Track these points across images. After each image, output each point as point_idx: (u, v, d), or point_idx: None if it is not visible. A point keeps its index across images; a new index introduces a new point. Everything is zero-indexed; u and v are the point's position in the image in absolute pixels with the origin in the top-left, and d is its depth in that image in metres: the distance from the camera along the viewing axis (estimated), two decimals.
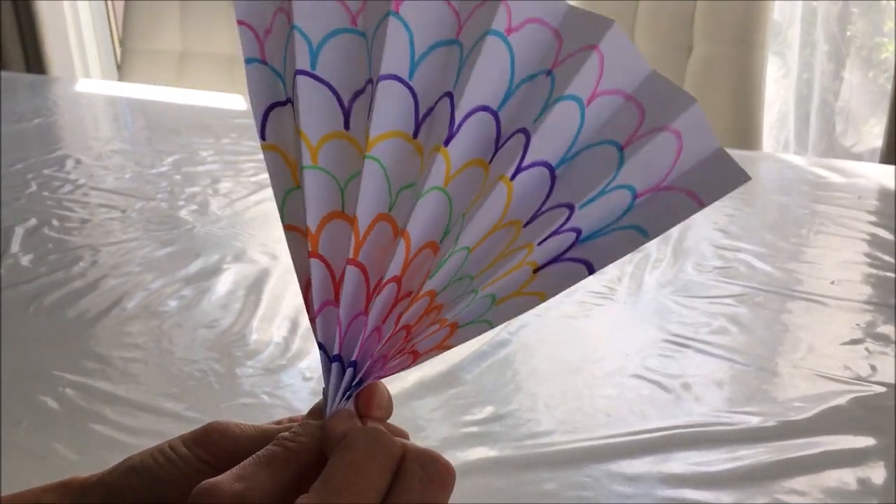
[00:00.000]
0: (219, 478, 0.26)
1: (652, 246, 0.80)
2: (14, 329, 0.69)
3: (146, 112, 1.46)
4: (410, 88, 0.28)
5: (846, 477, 0.49)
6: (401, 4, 0.28)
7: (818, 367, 0.60)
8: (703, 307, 0.69)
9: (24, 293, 0.74)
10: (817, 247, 0.81)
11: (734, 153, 0.98)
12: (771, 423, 0.54)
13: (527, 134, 0.27)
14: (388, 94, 0.28)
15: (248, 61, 0.29)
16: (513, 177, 0.27)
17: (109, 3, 2.47)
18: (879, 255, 0.77)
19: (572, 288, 0.75)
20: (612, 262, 0.28)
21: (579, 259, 0.28)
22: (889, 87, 1.59)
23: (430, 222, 0.28)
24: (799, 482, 0.49)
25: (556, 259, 0.28)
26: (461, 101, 0.27)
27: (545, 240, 0.28)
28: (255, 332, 0.67)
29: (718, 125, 1.50)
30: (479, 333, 0.29)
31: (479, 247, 0.28)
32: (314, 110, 0.29)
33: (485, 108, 0.28)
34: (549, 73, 0.28)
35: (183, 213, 0.92)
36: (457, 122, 0.27)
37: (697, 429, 0.54)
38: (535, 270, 0.28)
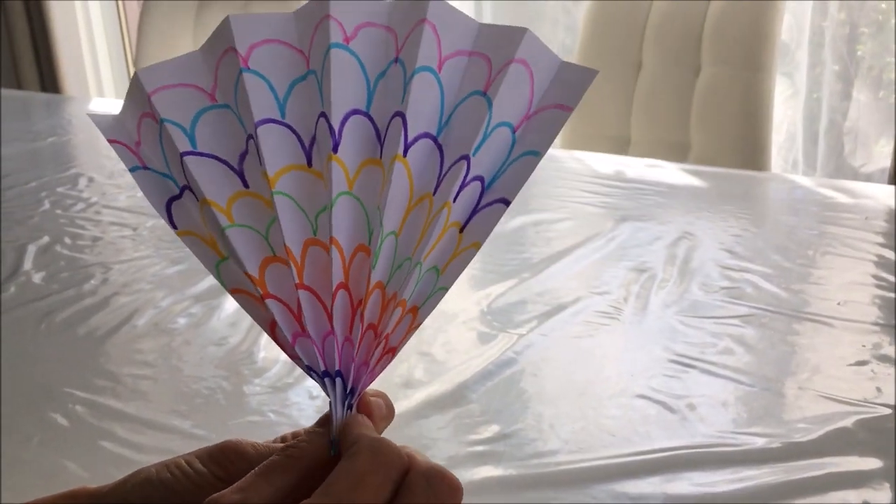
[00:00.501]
0: (221, 492, 0.27)
1: (658, 266, 0.80)
2: (25, 346, 0.70)
3: None
4: (286, 125, 0.31)
5: (851, 498, 0.49)
6: (248, 60, 0.31)
7: (824, 389, 0.60)
8: (709, 328, 0.69)
9: (35, 310, 0.75)
10: (824, 268, 0.81)
11: (742, 173, 0.98)
12: (776, 444, 0.54)
13: (402, 115, 0.30)
14: (269, 136, 0.30)
15: (132, 170, 0.32)
16: (405, 153, 0.30)
17: (124, 23, 2.51)
18: (886, 276, 0.78)
19: (578, 308, 0.75)
20: (521, 187, 0.30)
21: (494, 201, 0.30)
22: None
23: (351, 226, 0.30)
24: (803, 503, 0.49)
25: (475, 211, 0.30)
26: (332, 112, 0.30)
27: (457, 195, 0.30)
28: (262, 350, 0.67)
29: (727, 145, 1.50)
30: (439, 301, 0.30)
31: (403, 229, 0.30)
32: (211, 180, 0.31)
33: (355, 112, 0.31)
34: (396, 60, 0.31)
35: None
36: (336, 130, 0.30)
37: (702, 449, 0.54)
38: (461, 230, 0.30)
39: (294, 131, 0.31)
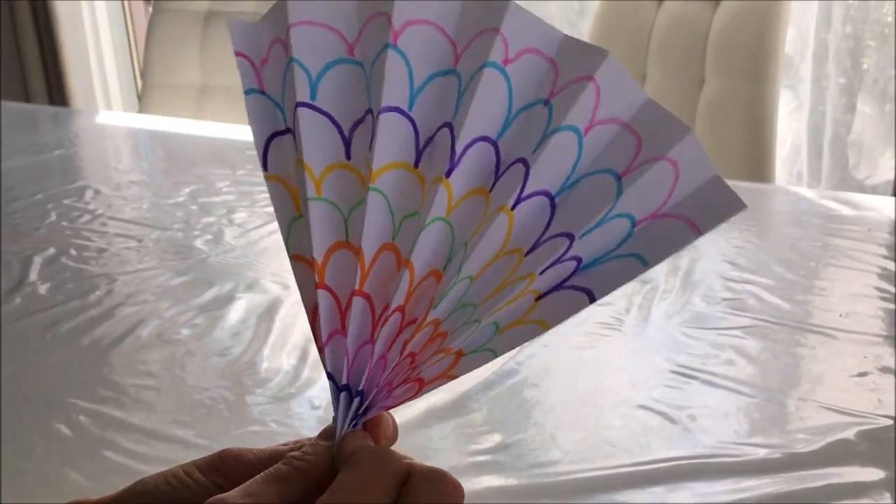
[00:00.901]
0: (227, 493, 0.27)
1: (660, 277, 0.80)
2: (30, 356, 0.70)
3: (166, 144, 1.49)
4: (410, 119, 0.29)
5: None
6: (399, 37, 0.29)
7: (825, 400, 0.60)
8: (710, 339, 0.69)
9: (41, 321, 0.76)
10: (827, 279, 0.81)
11: (746, 185, 0.98)
12: (777, 455, 0.54)
13: (526, 164, 0.28)
14: (388, 126, 0.29)
15: (248, 92, 0.30)
16: (513, 206, 0.28)
17: (132, 36, 2.53)
18: (889, 288, 0.78)
19: (580, 318, 0.76)
20: (612, 290, 0.28)
21: (580, 287, 0.28)
22: None
23: (432, 252, 0.28)
24: None
25: (558, 287, 0.28)
26: (461, 132, 0.28)
27: (546, 269, 0.28)
28: (265, 361, 0.68)
29: (731, 158, 1.50)
30: (484, 363, 0.29)
31: (480, 275, 0.28)
32: (316, 142, 0.29)
33: (484, 139, 0.28)
34: (546, 102, 0.29)
35: (198, 243, 0.93)
36: (457, 153, 0.28)
37: (703, 460, 0.54)
38: (538, 299, 0.28)
39: (415, 126, 0.29)
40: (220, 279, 0.83)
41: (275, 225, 0.97)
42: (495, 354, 0.29)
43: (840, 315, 0.73)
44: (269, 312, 0.76)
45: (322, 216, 0.29)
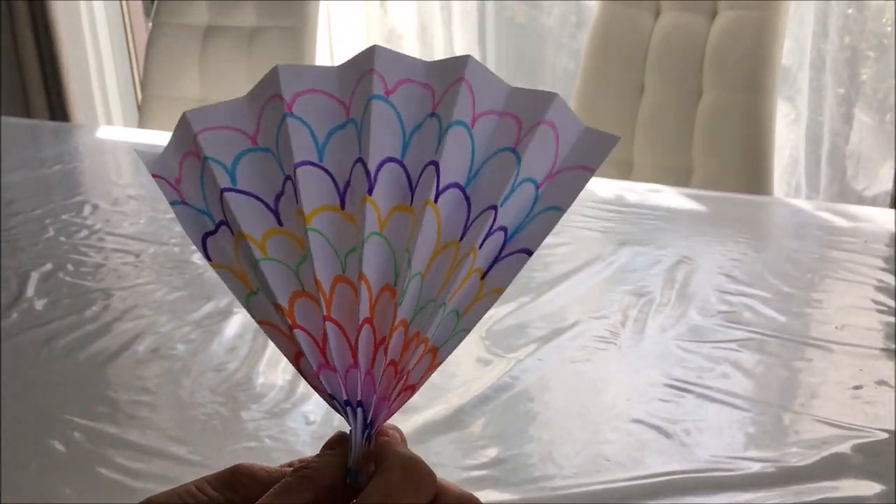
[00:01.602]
0: None
1: (656, 290, 0.80)
2: (26, 372, 0.70)
3: None
4: (324, 168, 0.33)
5: None
6: (292, 106, 0.33)
7: (821, 413, 0.60)
8: (706, 352, 0.69)
9: (37, 336, 0.76)
10: (823, 292, 0.81)
11: (743, 198, 0.98)
12: (772, 469, 0.54)
13: (435, 164, 0.32)
14: (306, 177, 0.32)
15: (173, 204, 0.34)
16: (435, 199, 0.31)
17: (132, 52, 2.54)
18: (885, 300, 0.77)
19: (575, 333, 0.75)
20: (543, 239, 0.32)
21: (516, 251, 0.32)
22: None
23: (379, 265, 0.31)
24: None
25: (497, 260, 0.32)
26: (370, 158, 0.32)
27: (483, 242, 0.31)
28: (260, 376, 0.68)
29: (729, 169, 1.51)
30: (459, 343, 0.32)
31: (428, 272, 0.31)
32: (248, 217, 0.32)
33: (390, 160, 0.32)
34: (432, 114, 0.33)
35: (195, 258, 0.93)
36: (372, 174, 0.32)
37: (699, 474, 0.54)
38: (483, 276, 0.32)
39: (330, 175, 0.33)
40: (216, 294, 0.83)
41: None
42: (468, 331, 0.32)
43: (836, 328, 0.73)
44: None
45: (275, 272, 0.32)
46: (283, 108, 0.33)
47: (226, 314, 0.79)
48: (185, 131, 0.34)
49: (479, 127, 0.33)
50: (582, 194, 0.31)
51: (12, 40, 2.34)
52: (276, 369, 0.69)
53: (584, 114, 1.60)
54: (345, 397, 0.30)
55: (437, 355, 0.31)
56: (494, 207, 0.31)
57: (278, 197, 0.33)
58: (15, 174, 1.30)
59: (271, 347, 0.72)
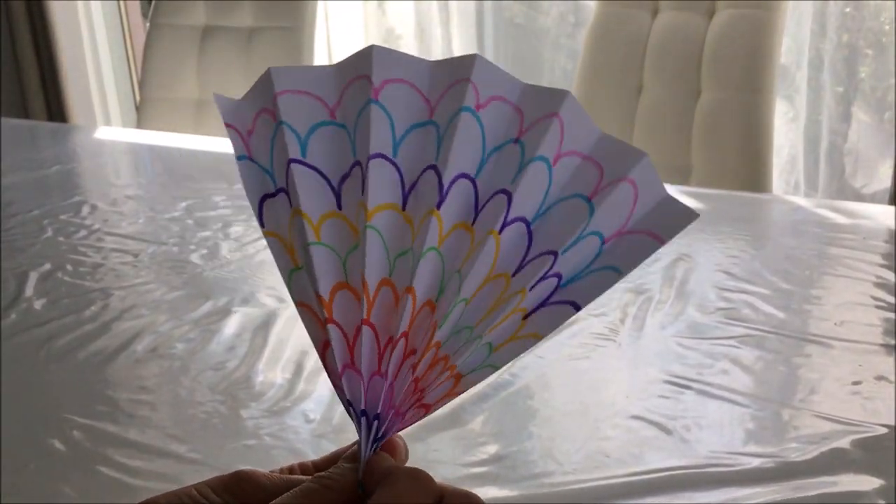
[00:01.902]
0: None
1: (655, 287, 0.80)
2: (26, 372, 0.70)
3: (163, 158, 1.49)
4: (395, 165, 0.32)
5: None
6: (379, 93, 0.32)
7: (820, 409, 0.60)
8: (705, 349, 0.69)
9: (36, 337, 0.76)
10: (822, 288, 0.81)
11: (742, 195, 0.98)
12: (772, 464, 0.54)
13: (507, 193, 0.31)
14: (377, 171, 0.31)
15: (239, 158, 0.33)
16: (500, 230, 0.31)
17: (130, 53, 2.54)
18: (884, 296, 0.78)
19: (575, 329, 0.75)
20: (594, 298, 0.31)
21: (564, 301, 0.31)
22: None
23: (428, 282, 0.31)
24: None
25: (543, 304, 0.31)
26: (445, 171, 0.31)
27: (534, 285, 0.31)
28: (260, 375, 0.68)
29: (728, 168, 1.51)
30: (485, 378, 0.31)
31: (474, 299, 0.31)
32: (310, 194, 0.32)
33: (464, 176, 0.32)
34: (516, 140, 0.32)
35: (193, 258, 0.93)
36: (444, 188, 0.31)
37: (698, 470, 0.54)
38: (525, 317, 0.31)
39: (400, 172, 0.32)
40: (215, 293, 0.83)
41: None
42: (496, 368, 0.31)
43: (835, 324, 0.73)
44: (264, 326, 0.76)
45: (323, 258, 0.31)
46: (370, 92, 0.32)
47: (224, 313, 0.79)
48: (266, 87, 0.33)
49: (560, 166, 0.32)
50: None
51: (10, 41, 2.34)
52: (275, 368, 0.69)
53: None
54: (363, 406, 0.30)
55: (459, 383, 0.31)
56: (555, 253, 0.31)
57: (344, 178, 0.32)
58: (13, 175, 1.30)
59: (271, 346, 0.72)
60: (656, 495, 0.52)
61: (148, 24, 1.95)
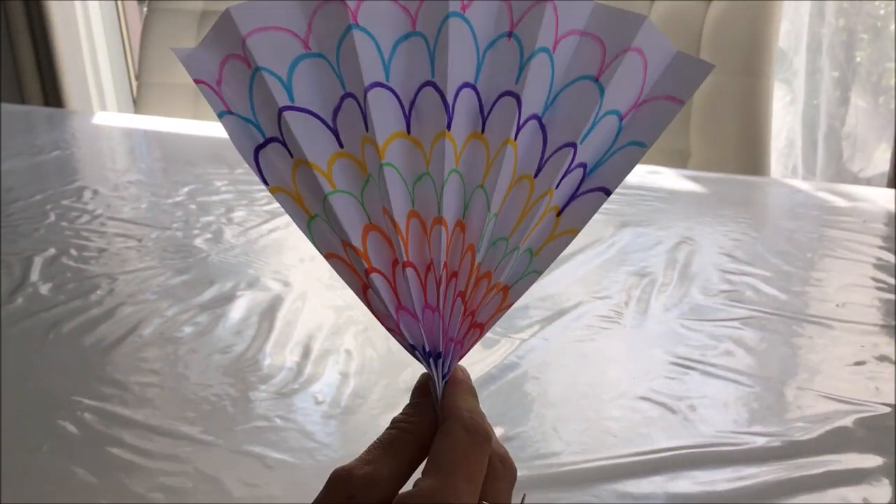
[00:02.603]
0: (350, 463, 0.28)
1: (658, 270, 0.81)
2: (34, 356, 0.71)
3: (162, 144, 1.49)
4: (390, 89, 0.30)
5: (850, 496, 0.50)
6: (357, 15, 0.30)
7: (823, 389, 0.61)
8: (709, 330, 0.70)
9: (43, 321, 0.76)
10: (823, 270, 0.82)
11: (742, 179, 0.98)
12: (776, 443, 0.55)
13: (517, 98, 0.29)
14: (377, 102, 0.30)
15: (220, 115, 0.31)
16: (515, 137, 0.30)
17: (126, 37, 2.52)
18: (885, 278, 0.78)
19: (579, 312, 0.76)
20: (624, 178, 0.30)
21: (594, 189, 0.30)
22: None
23: (454, 203, 0.30)
24: (803, 501, 0.50)
25: (573, 197, 0.30)
26: (447, 86, 0.29)
27: (560, 181, 0.30)
28: (268, 357, 0.68)
29: (727, 152, 1.51)
30: (531, 284, 0.31)
31: (501, 209, 0.30)
32: (310, 139, 0.30)
33: (466, 85, 0.30)
34: (510, 34, 0.30)
35: (198, 242, 0.94)
36: (449, 105, 0.30)
37: (703, 449, 0.55)
38: (559, 214, 0.30)
39: (397, 96, 0.30)
40: (220, 277, 0.84)
41: (274, 223, 0.98)
42: (539, 273, 0.30)
43: (837, 305, 0.73)
44: (270, 310, 0.76)
45: (344, 207, 0.30)
46: (348, 16, 0.30)
47: (230, 298, 0.79)
48: (229, 30, 0.30)
49: (560, 50, 0.30)
50: None
51: (6, 27, 2.32)
52: (283, 351, 0.69)
53: None
54: (426, 347, 0.30)
55: (508, 295, 0.30)
56: (573, 145, 0.29)
57: (336, 112, 0.30)
58: (12, 161, 1.30)
59: (278, 329, 0.73)
60: (662, 474, 0.53)
61: (145, 9, 1.94)
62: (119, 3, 2.49)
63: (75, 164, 1.34)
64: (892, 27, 1.70)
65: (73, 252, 0.91)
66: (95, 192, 1.12)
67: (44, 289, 0.83)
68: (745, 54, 1.49)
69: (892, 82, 1.72)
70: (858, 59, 1.72)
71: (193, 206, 1.05)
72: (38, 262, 0.89)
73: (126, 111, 2.52)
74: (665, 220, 0.95)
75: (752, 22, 1.48)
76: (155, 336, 0.73)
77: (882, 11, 1.72)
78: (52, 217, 1.03)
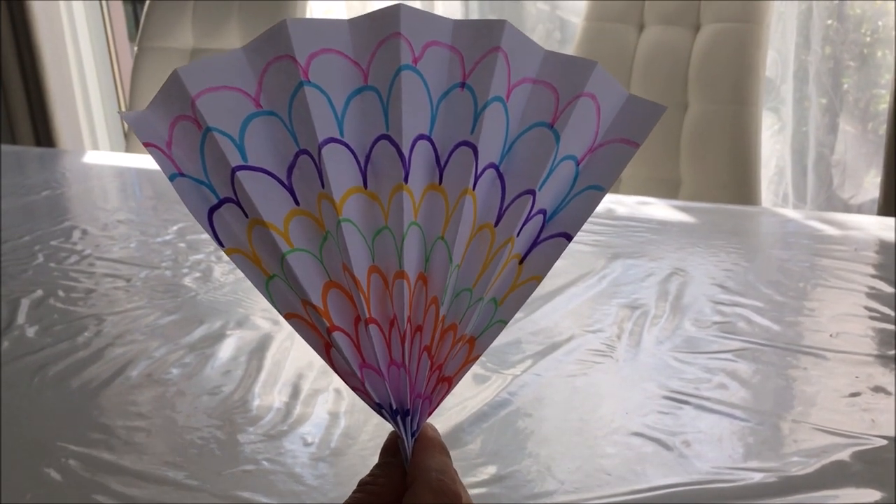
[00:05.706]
0: None
1: (650, 303, 0.80)
2: (19, 401, 0.70)
3: (153, 182, 1.49)
4: (345, 144, 0.30)
5: None
6: (308, 71, 0.30)
7: (819, 422, 0.60)
8: (702, 363, 0.69)
9: (29, 364, 0.75)
10: (816, 300, 0.82)
11: (732, 208, 0.98)
12: (772, 479, 0.54)
13: (473, 148, 0.30)
14: (332, 157, 0.30)
15: (171, 178, 0.30)
16: (473, 187, 0.30)
17: (118, 77, 2.53)
18: (878, 307, 0.78)
19: (571, 347, 0.75)
20: (584, 222, 0.30)
21: (555, 234, 0.30)
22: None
23: (415, 257, 0.30)
24: None
25: (535, 243, 0.30)
26: (402, 139, 0.29)
27: (521, 229, 0.30)
28: (256, 398, 0.67)
29: (716, 181, 1.51)
30: (497, 335, 0.30)
31: (463, 260, 0.30)
32: (265, 198, 0.30)
33: (421, 137, 0.30)
34: (462, 84, 0.30)
35: (187, 281, 0.93)
36: (406, 157, 0.29)
37: (699, 486, 0.54)
38: (521, 262, 0.30)
39: (352, 150, 0.30)
40: (209, 317, 0.83)
41: None
42: (505, 322, 0.30)
43: (830, 335, 0.73)
44: (259, 349, 0.75)
45: (303, 265, 0.30)
46: (299, 73, 0.29)
47: (219, 337, 0.78)
48: (178, 91, 0.30)
49: (514, 98, 0.30)
50: None
51: None
52: (271, 391, 0.68)
53: None
54: (393, 406, 0.29)
55: (474, 346, 0.30)
56: (532, 192, 0.29)
57: (290, 169, 0.30)
58: (2, 202, 1.30)
59: (267, 369, 0.72)
60: None
61: (135, 48, 1.95)
62: (110, 42, 2.51)
63: (65, 204, 1.34)
64: (879, 53, 1.72)
65: (61, 293, 0.91)
66: (85, 232, 1.12)
67: (30, 331, 0.82)
68: (733, 83, 1.50)
69: (880, 108, 1.73)
70: (846, 87, 1.73)
71: (183, 245, 1.05)
72: (25, 304, 0.88)
73: (118, 149, 2.52)
74: (656, 251, 0.95)
75: (739, 50, 1.49)
76: (142, 378, 0.72)
77: (868, 39, 1.74)
78: (41, 258, 1.02)
